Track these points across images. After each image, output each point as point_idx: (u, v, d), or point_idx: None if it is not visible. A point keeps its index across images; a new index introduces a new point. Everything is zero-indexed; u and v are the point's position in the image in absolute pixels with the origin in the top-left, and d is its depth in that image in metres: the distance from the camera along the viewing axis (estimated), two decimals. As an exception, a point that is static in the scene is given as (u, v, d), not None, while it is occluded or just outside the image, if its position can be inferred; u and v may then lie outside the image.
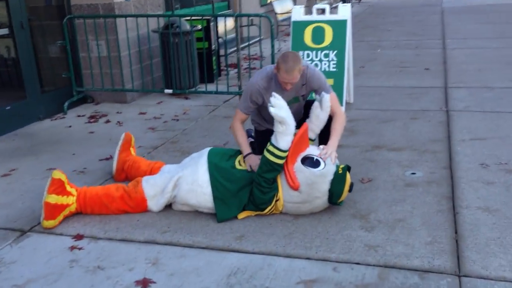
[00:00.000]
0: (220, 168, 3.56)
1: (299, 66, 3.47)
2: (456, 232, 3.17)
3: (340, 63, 5.83)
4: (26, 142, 5.38)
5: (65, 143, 5.27)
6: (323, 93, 3.68)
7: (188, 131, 5.48)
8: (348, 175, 3.46)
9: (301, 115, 3.92)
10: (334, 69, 5.83)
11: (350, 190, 3.48)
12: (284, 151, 3.37)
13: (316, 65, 5.86)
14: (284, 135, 3.36)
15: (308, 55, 5.90)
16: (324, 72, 5.85)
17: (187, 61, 6.73)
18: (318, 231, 3.27)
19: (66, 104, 6.43)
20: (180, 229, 3.39)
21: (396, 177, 4.05)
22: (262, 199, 3.40)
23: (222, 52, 8.00)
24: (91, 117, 6.23)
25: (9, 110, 5.76)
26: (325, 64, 5.86)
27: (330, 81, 5.83)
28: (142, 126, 5.76)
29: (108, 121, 6.00)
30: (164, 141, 5.17)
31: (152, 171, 4.02)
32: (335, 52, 5.84)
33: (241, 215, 3.48)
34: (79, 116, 6.31)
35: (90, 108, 6.67)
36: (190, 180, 3.55)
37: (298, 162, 3.45)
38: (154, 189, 3.61)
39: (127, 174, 4.17)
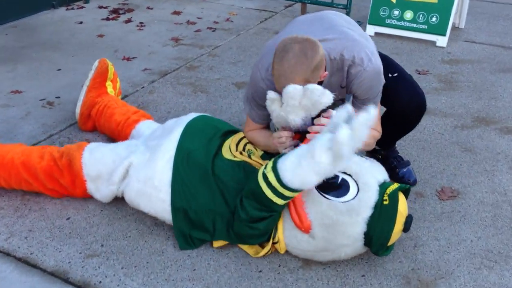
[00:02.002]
0: (194, 162, 2.12)
1: (308, 74, 1.83)
2: None
3: (452, -29, 3.93)
4: (18, 40, 4.18)
5: (61, 49, 4.01)
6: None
7: (219, 51, 4.00)
8: (403, 203, 1.93)
9: None
10: (442, -20, 3.95)
11: (405, 230, 1.95)
12: (292, 190, 1.84)
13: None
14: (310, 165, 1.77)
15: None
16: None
17: None
18: (334, 308, 1.86)
19: (88, -11, 5.11)
20: (118, 251, 2.10)
21: (502, 194, 2.43)
22: (242, 229, 2.01)
23: None
24: (114, 11, 4.88)
25: (9, -6, 4.54)
26: (429, -30, 3.98)
27: (432, -2, 4.00)
28: (165, 34, 4.34)
29: (129, 20, 4.63)
30: (180, 65, 3.75)
31: (125, 126, 2.71)
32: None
33: (218, 242, 2.13)
34: (100, 7, 4.98)
35: (120, -4, 5.31)
36: (142, 175, 2.15)
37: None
38: (98, 168, 2.28)
39: (95, 123, 2.89)
